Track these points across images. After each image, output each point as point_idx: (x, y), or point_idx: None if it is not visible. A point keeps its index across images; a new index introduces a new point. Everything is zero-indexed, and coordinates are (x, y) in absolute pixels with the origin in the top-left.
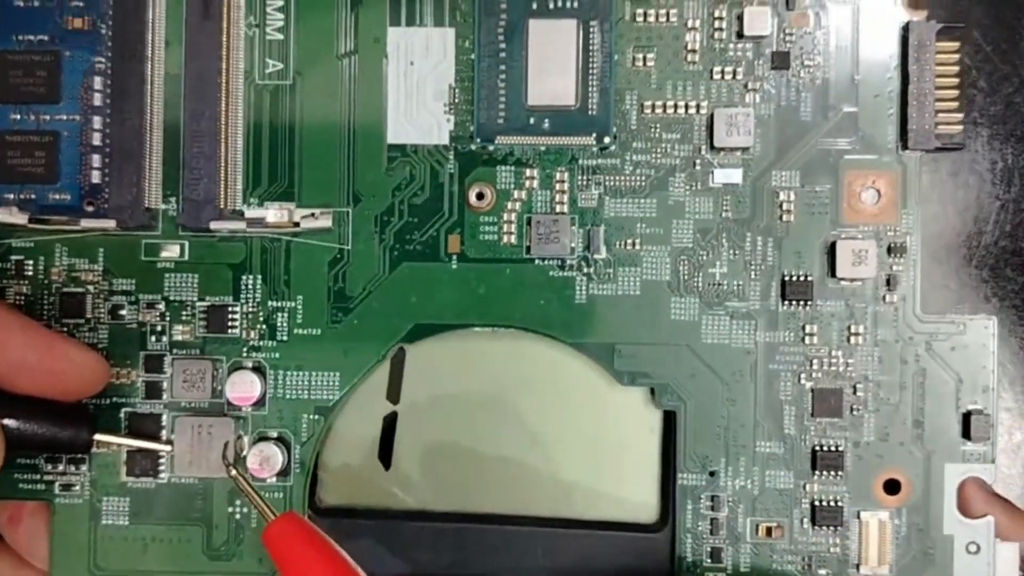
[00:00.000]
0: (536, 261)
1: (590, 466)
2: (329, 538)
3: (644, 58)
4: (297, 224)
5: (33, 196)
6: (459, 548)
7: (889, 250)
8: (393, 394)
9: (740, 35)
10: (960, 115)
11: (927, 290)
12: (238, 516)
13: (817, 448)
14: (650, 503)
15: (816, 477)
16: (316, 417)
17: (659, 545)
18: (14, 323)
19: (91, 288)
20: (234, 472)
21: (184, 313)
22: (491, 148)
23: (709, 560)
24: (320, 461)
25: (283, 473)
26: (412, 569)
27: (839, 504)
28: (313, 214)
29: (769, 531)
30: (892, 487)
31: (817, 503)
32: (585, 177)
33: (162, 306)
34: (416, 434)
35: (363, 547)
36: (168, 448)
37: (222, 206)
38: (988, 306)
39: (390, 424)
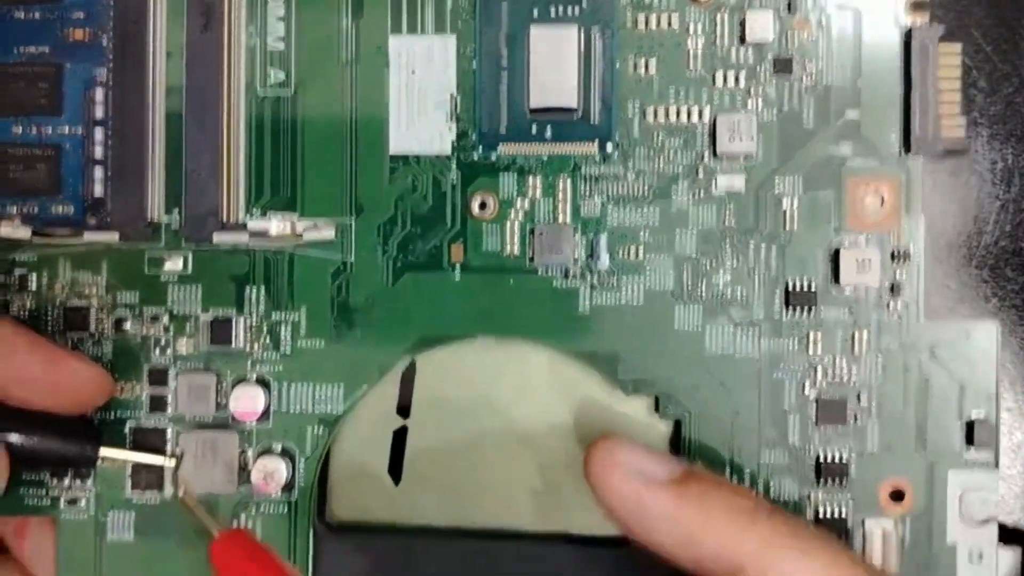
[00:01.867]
0: (539, 271)
1: None
2: (276, 554)
3: (646, 64)
4: (300, 235)
5: (36, 209)
6: (468, 564)
7: (893, 256)
8: (403, 408)
9: (742, 40)
10: (963, 120)
11: (930, 294)
12: None
13: (821, 457)
14: None
15: (821, 486)
16: (320, 430)
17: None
18: (18, 337)
19: (94, 301)
20: (182, 493)
21: (188, 326)
22: (493, 157)
23: None
24: (329, 475)
25: (288, 487)
26: None
27: (844, 513)
28: (315, 225)
29: None
30: (896, 495)
31: (822, 512)
32: (588, 186)
33: (166, 319)
34: (422, 447)
35: (373, 563)
36: (172, 463)
37: (224, 218)
38: (988, 306)
39: (400, 438)
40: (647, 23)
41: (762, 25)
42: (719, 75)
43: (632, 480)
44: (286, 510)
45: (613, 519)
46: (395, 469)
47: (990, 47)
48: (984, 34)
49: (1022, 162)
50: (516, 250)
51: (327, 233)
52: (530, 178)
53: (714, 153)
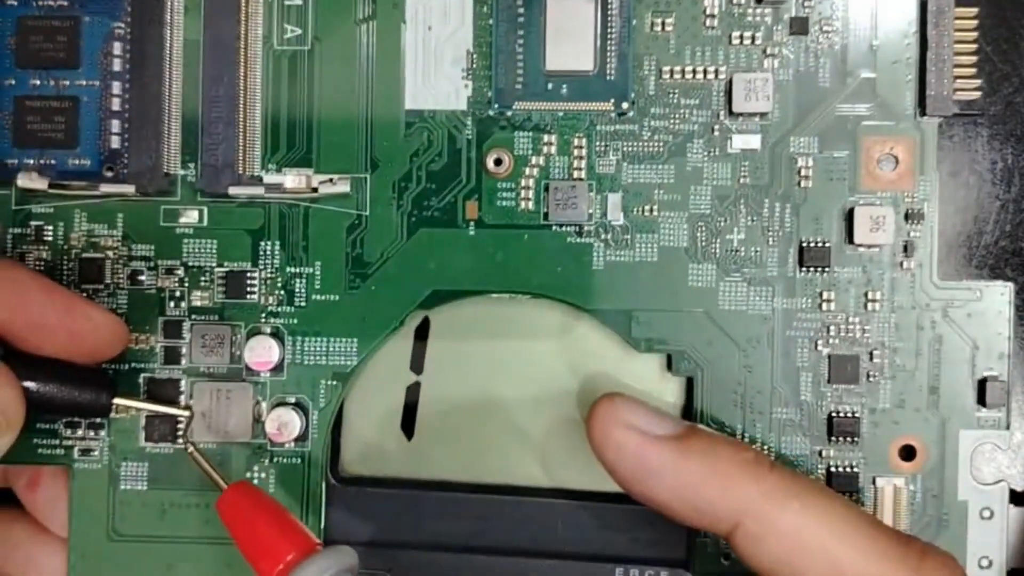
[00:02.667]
0: (553, 227)
1: None
2: (281, 505)
3: (663, 23)
4: (315, 190)
5: (53, 161)
6: (478, 519)
7: (907, 216)
8: (416, 364)
9: (759, 0)
10: (979, 81)
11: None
12: (256, 481)
13: (833, 414)
14: None
15: (832, 443)
16: (334, 383)
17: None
18: (34, 284)
19: (110, 254)
20: (191, 449)
21: (203, 279)
22: (509, 114)
23: None
24: (342, 430)
25: (301, 439)
26: (432, 539)
27: (855, 470)
28: (331, 180)
29: None
30: (907, 453)
31: (833, 469)
32: (603, 143)
33: (181, 271)
34: (434, 403)
35: (384, 516)
36: (187, 413)
37: (240, 172)
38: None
39: (413, 394)
40: None
41: None
42: (735, 34)
43: (633, 435)
44: (299, 462)
45: (613, 474)
46: (407, 424)
47: (990, 47)
48: (984, 34)
49: (1022, 162)
50: (531, 206)
51: (342, 188)
52: (545, 135)
53: (730, 112)
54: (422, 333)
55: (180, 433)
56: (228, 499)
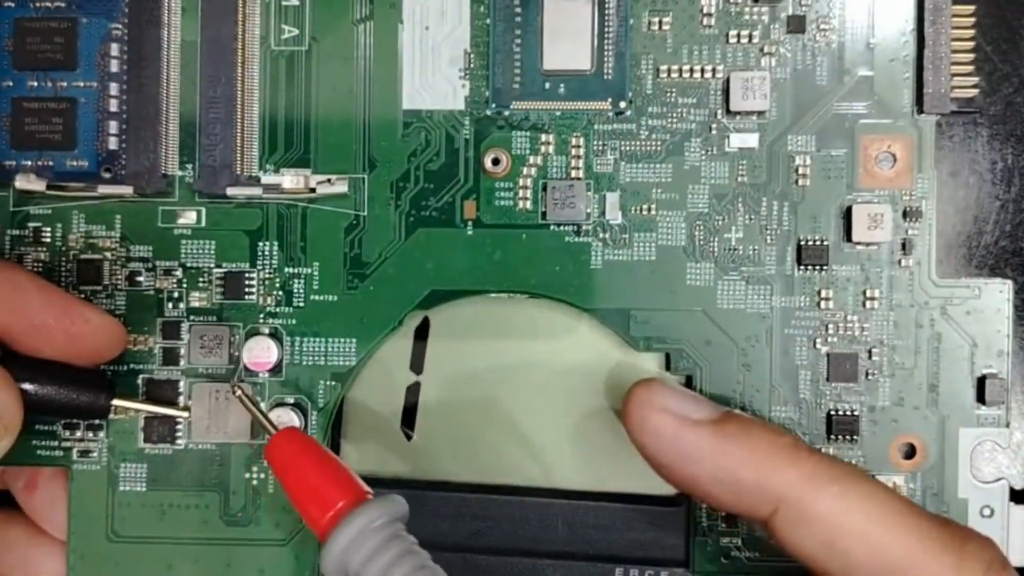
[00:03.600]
0: (552, 227)
1: (607, 437)
2: (331, 452)
3: (660, 22)
4: (313, 190)
5: (51, 163)
6: (478, 519)
7: (904, 214)
8: (416, 364)
9: None
10: (976, 79)
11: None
12: (255, 482)
13: (832, 413)
14: None
15: (831, 442)
16: (333, 383)
17: (678, 517)
18: (32, 286)
19: (108, 255)
20: (239, 392)
21: (201, 279)
22: (506, 113)
23: (724, 525)
24: (342, 430)
25: None
26: (432, 539)
27: None
28: (329, 180)
29: None
30: (907, 451)
31: None
32: (601, 142)
33: (179, 272)
34: (434, 402)
35: None
36: (186, 414)
37: (238, 172)
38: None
39: (413, 394)
40: None
41: None
42: (733, 33)
43: (670, 419)
44: None
45: (650, 459)
46: (408, 424)
47: (990, 47)
48: (984, 34)
49: (1022, 162)
50: (529, 206)
51: (340, 188)
52: (543, 135)
53: (727, 111)
54: (422, 333)
55: (230, 382)
56: (277, 445)
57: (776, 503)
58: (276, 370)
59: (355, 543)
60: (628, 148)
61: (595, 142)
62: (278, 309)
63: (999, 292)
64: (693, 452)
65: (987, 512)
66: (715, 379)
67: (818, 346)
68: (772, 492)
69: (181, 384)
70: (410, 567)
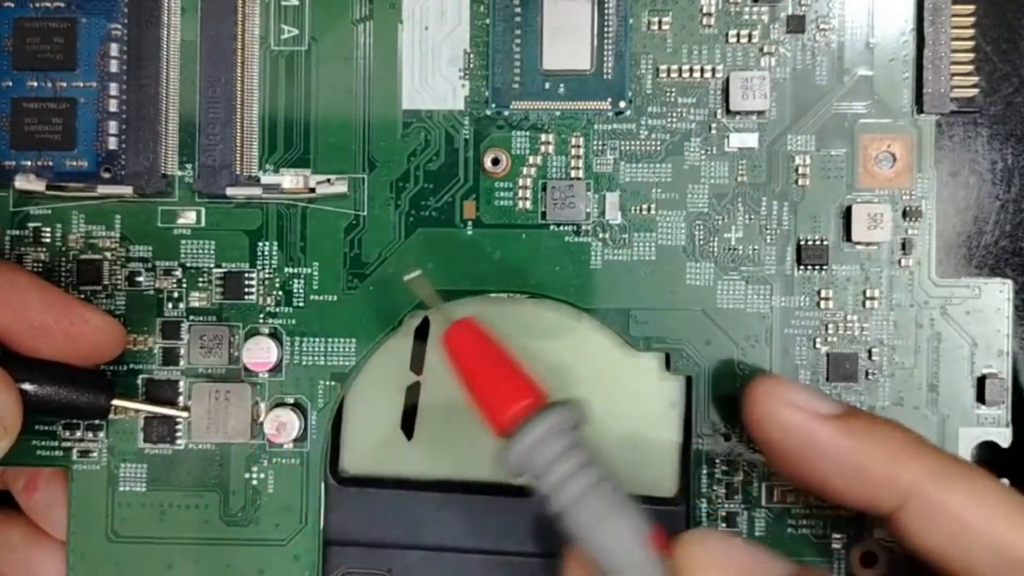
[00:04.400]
0: (551, 227)
1: (607, 437)
2: (509, 349)
3: (660, 22)
4: (313, 190)
5: (50, 163)
6: (477, 519)
7: (904, 214)
8: (416, 364)
9: None
10: (976, 78)
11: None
12: (255, 482)
13: None
14: (669, 477)
15: None
16: (332, 383)
17: (677, 518)
18: (32, 286)
19: (108, 255)
20: (418, 272)
21: (201, 279)
22: (506, 113)
23: (724, 525)
24: (342, 430)
25: (300, 439)
26: (432, 539)
27: None
28: (329, 180)
29: (785, 496)
30: None
31: None
32: (600, 142)
33: (179, 272)
34: (434, 403)
35: (384, 516)
36: (185, 414)
37: (238, 172)
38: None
39: (413, 394)
40: None
41: None
42: (732, 33)
43: (799, 414)
44: (298, 462)
45: (774, 452)
46: (407, 424)
47: (990, 47)
48: (984, 34)
49: (1022, 162)
50: (528, 206)
51: (340, 188)
52: (543, 135)
53: (727, 110)
54: (422, 333)
55: (406, 271)
56: (457, 334)
57: (904, 498)
58: (276, 370)
59: (543, 442)
60: (628, 148)
61: (595, 142)
62: (278, 309)
63: (999, 292)
64: (822, 447)
65: None
66: (715, 379)
67: (818, 346)
68: (901, 487)
69: (181, 384)
70: (594, 477)
